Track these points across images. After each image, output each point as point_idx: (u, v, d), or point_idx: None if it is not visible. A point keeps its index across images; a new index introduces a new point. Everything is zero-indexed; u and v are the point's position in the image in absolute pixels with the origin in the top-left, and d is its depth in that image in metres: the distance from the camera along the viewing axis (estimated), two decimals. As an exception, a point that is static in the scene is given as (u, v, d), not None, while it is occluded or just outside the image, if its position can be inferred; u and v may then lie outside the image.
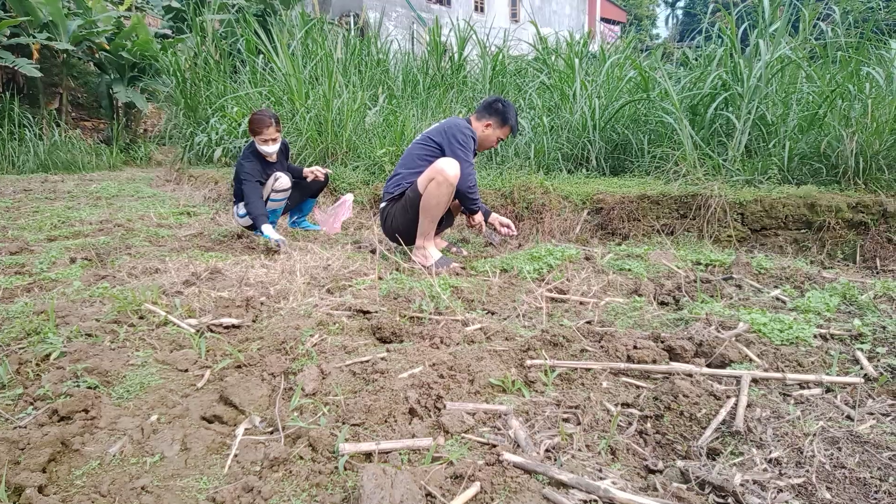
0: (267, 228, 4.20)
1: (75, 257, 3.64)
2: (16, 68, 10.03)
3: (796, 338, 2.24)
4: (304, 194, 4.90)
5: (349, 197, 4.76)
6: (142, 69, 12.11)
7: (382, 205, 3.86)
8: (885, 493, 1.34)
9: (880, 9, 6.89)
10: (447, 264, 3.59)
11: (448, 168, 3.46)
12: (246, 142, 6.65)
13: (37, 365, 2.07)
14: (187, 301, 2.71)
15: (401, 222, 3.74)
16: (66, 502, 1.38)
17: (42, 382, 1.90)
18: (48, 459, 1.52)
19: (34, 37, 10.55)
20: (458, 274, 3.44)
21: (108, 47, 11.77)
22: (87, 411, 1.74)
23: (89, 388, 1.88)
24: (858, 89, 4.38)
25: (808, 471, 1.41)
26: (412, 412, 1.75)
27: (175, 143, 10.03)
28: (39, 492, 1.42)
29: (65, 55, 11.62)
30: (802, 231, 4.02)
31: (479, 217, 3.89)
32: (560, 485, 1.35)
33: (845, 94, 4.47)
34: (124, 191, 7.47)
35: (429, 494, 1.34)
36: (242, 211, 4.52)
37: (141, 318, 2.53)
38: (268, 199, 4.50)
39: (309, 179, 4.71)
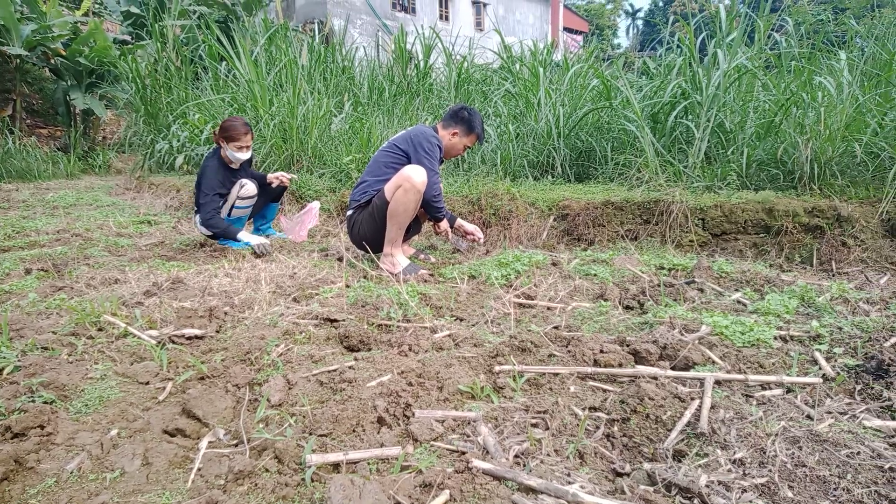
0: (244, 235, 4.15)
1: (31, 268, 3.52)
2: (-34, 74, 9.70)
3: (757, 340, 2.29)
4: (266, 199, 4.82)
5: (315, 204, 4.71)
6: (100, 75, 11.84)
7: (349, 212, 3.83)
8: (843, 489, 1.38)
9: (830, 21, 7.14)
10: (415, 271, 3.57)
11: (415, 175, 3.45)
12: (209, 149, 6.55)
13: (-11, 380, 1.99)
14: (148, 312, 2.65)
15: (368, 230, 3.71)
16: (19, 523, 1.33)
17: (-6, 398, 1.83)
18: (0, 479, 1.46)
19: (-15, 41, 10.23)
20: (426, 281, 3.43)
21: (64, 53, 11.46)
22: (42, 427, 1.68)
23: (45, 402, 1.82)
24: (811, 98, 4.53)
25: (770, 470, 1.44)
26: (381, 421, 1.74)
27: (135, 150, 9.80)
28: (-9, 513, 1.36)
29: (18, 60, 11.29)
30: (761, 235, 4.12)
31: (444, 224, 3.89)
32: (529, 490, 1.35)
33: (799, 102, 4.61)
34: (82, 199, 7.27)
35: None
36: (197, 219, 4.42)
37: (100, 329, 2.45)
38: (233, 206, 4.42)
39: (274, 185, 4.65)
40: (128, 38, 13.34)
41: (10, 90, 11.77)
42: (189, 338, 2.43)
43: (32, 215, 5.92)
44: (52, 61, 11.81)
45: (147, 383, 2.04)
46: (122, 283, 3.22)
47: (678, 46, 5.76)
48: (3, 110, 11.58)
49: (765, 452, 1.51)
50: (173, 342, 2.37)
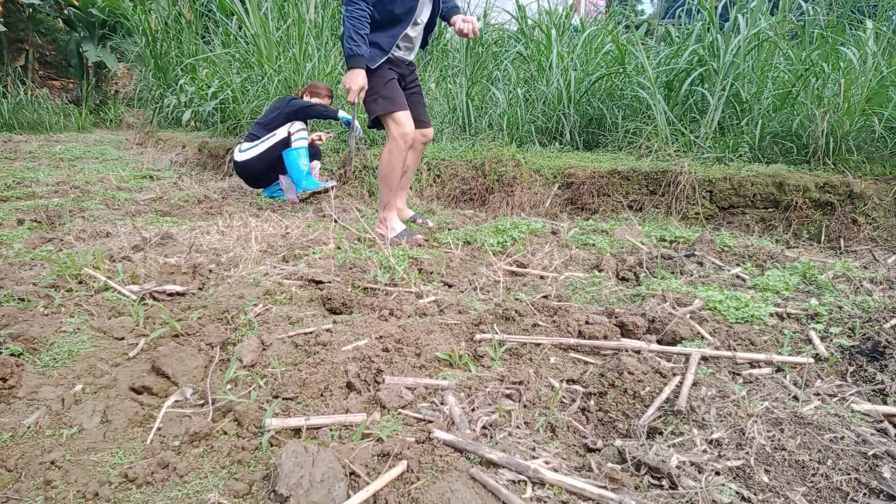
0: (342, 114, 4.57)
1: (24, 219, 3.50)
2: (-23, 22, 9.62)
3: (751, 316, 2.21)
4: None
5: (315, 164, 4.63)
6: (112, 27, 11.69)
7: None
8: (822, 476, 1.31)
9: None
10: (410, 235, 3.49)
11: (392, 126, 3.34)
12: (214, 105, 6.46)
13: (-38, 330, 1.96)
14: (132, 267, 2.61)
15: None
16: (-31, 476, 1.30)
17: (-38, 349, 1.80)
18: (-43, 431, 1.44)
19: (-4, -11, 10.12)
20: (420, 245, 3.35)
21: (76, 3, 11.32)
22: (5, 380, 1.65)
23: (12, 354, 1.79)
24: (833, 69, 4.33)
25: (747, 453, 1.37)
26: (350, 386, 1.69)
27: (145, 105, 9.73)
28: (-57, 464, 1.34)
29: (31, 10, 11.18)
30: (770, 210, 3.99)
31: (352, 79, 3.20)
32: (490, 464, 1.30)
33: (820, 73, 4.42)
34: (89, 153, 7.24)
35: (352, 473, 1.28)
36: (247, 146, 4.47)
37: (80, 282, 2.42)
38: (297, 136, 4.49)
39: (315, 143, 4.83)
40: (140, -11, 13.12)
41: (22, 40, 11.69)
42: (170, 294, 2.39)
43: (36, 167, 5.90)
44: (65, 11, 11.68)
45: (122, 339, 2.00)
46: (112, 236, 3.18)
47: (699, 12, 5.54)
48: (16, 60, 11.52)
49: (744, 434, 1.44)
50: (154, 298, 2.34)
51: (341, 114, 4.55)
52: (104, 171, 5.75)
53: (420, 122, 3.54)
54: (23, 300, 2.20)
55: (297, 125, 4.36)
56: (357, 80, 3.19)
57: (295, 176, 4.37)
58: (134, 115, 11.68)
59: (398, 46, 3.33)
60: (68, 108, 11.08)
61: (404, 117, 3.32)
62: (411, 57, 3.53)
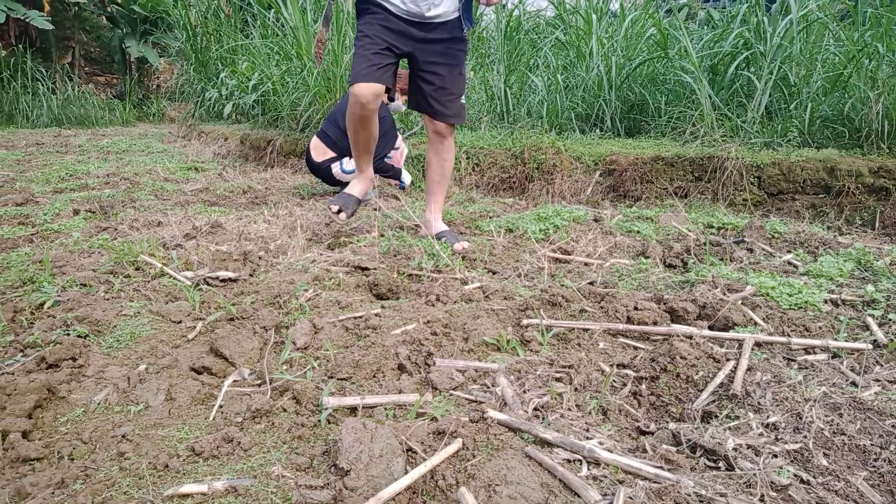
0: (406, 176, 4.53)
1: (79, 209, 3.63)
2: (27, 21, 9.94)
3: (805, 302, 2.16)
4: None
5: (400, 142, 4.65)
6: (154, 23, 11.97)
7: None
8: (884, 460, 1.29)
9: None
10: (346, 203, 2.98)
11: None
12: (255, 98, 6.57)
13: (31, 313, 2.06)
14: (185, 254, 2.69)
15: None
16: (48, 448, 1.37)
17: (33, 330, 1.89)
18: (34, 406, 1.51)
19: (45, -11, 10.45)
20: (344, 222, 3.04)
21: (119, 1, 11.62)
22: (74, 359, 1.73)
23: (79, 336, 1.87)
24: (888, 48, 4.18)
25: (805, 437, 1.35)
26: (401, 368, 1.72)
27: (186, 98, 9.94)
28: (23, 437, 1.41)
29: (76, 8, 11.51)
30: (821, 196, 3.89)
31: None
32: (544, 443, 1.31)
33: (873, 53, 4.27)
34: (135, 146, 7.44)
35: (409, 450, 1.30)
36: (350, 166, 4.50)
37: (137, 269, 2.51)
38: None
39: None
40: (181, -15, 13.39)
41: (69, 38, 12.05)
42: (223, 280, 2.46)
43: (87, 160, 6.10)
44: (109, 9, 12.01)
45: (179, 322, 2.07)
46: (163, 225, 3.28)
47: (743, -7, 5.40)
48: (63, 58, 11.89)
49: (801, 418, 1.42)
50: (207, 284, 2.40)
51: (404, 176, 4.53)
52: (151, 163, 5.92)
53: (436, 114, 2.93)
54: (85, 285, 2.29)
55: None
56: None
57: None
58: (175, 109, 11.95)
59: None
60: (113, 102, 11.42)
61: (358, 90, 2.68)
62: (430, 11, 2.68)
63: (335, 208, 2.93)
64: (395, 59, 2.78)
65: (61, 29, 11.62)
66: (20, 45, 10.48)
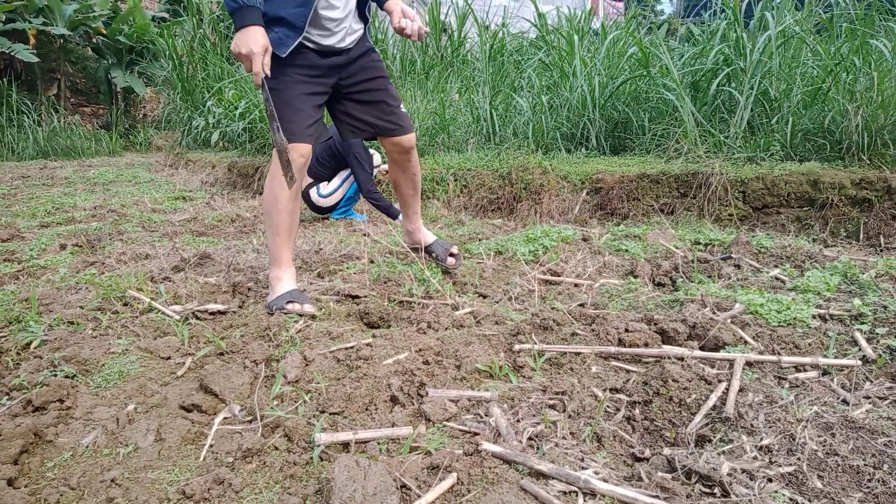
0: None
1: (66, 244, 3.60)
2: (13, 54, 9.96)
3: (794, 319, 2.17)
4: None
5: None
6: (139, 53, 12.01)
7: None
8: (878, 480, 1.29)
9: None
10: (301, 301, 2.40)
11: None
12: (243, 126, 6.59)
13: (17, 354, 2.04)
14: (174, 287, 2.67)
15: None
16: (35, 495, 1.34)
17: (19, 372, 1.86)
18: (20, 451, 1.49)
19: (30, 22, 10.47)
20: (313, 317, 2.35)
21: (104, 32, 11.66)
22: (62, 401, 1.71)
23: (66, 377, 1.84)
24: (864, 62, 4.26)
25: (799, 459, 1.35)
26: (394, 400, 1.71)
27: (173, 127, 9.95)
28: (9, 484, 1.39)
29: (62, 40, 11.53)
30: (805, 209, 3.93)
31: (244, 41, 2.11)
32: (539, 475, 1.31)
33: (850, 67, 4.34)
34: (122, 176, 7.42)
35: (403, 486, 1.29)
36: (328, 190, 4.51)
37: (125, 304, 2.49)
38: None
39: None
40: (166, 14, 13.46)
41: (54, 70, 12.05)
42: (212, 313, 2.44)
43: (73, 192, 6.07)
44: (94, 40, 12.03)
45: (168, 358, 2.05)
46: (151, 258, 3.26)
47: (722, 10, 5.49)
48: (49, 89, 11.87)
49: (794, 439, 1.42)
50: (197, 317, 2.39)
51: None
52: (138, 193, 5.90)
53: (387, 131, 2.62)
54: (72, 323, 2.27)
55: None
56: (253, 40, 2.09)
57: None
58: (163, 138, 11.93)
59: (311, 27, 2.30)
60: (99, 133, 11.39)
61: (303, 150, 2.37)
62: (343, 42, 2.41)
63: (297, 308, 2.37)
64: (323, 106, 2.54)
65: (47, 61, 11.62)
66: (4, 79, 10.47)
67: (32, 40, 10.75)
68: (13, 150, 9.96)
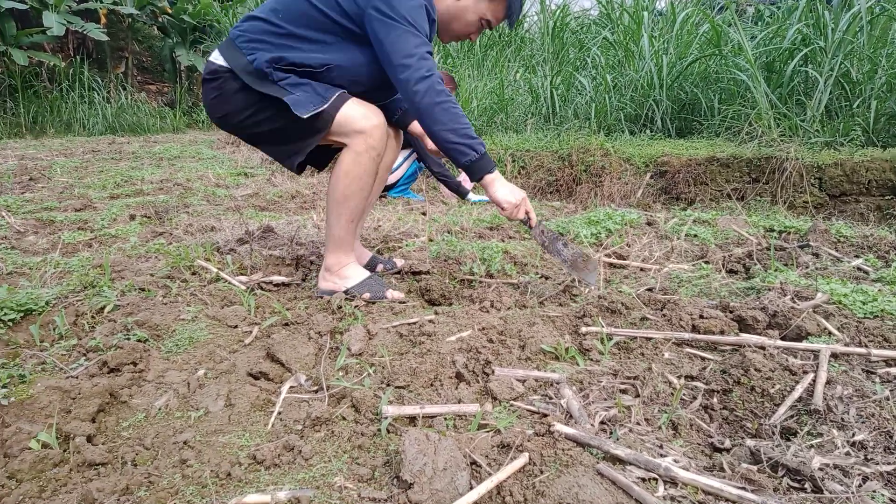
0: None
1: (135, 214, 3.71)
2: (85, 33, 10.30)
3: (882, 311, 2.04)
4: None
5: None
6: (203, 31, 12.26)
7: (221, 62, 2.12)
8: None
9: None
10: (381, 289, 2.30)
11: (366, 121, 2.09)
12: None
13: (92, 317, 2.09)
14: (239, 258, 2.71)
15: (266, 131, 2.18)
16: (111, 453, 1.37)
17: (95, 334, 1.92)
18: (97, 410, 1.52)
19: (101, 2, 10.80)
20: (402, 302, 2.28)
21: (170, 11, 11.94)
22: (135, 364, 1.74)
23: (139, 341, 1.89)
24: (961, 41, 3.97)
25: (898, 457, 1.26)
26: (459, 377, 1.68)
27: (235, 105, 10.14)
28: (88, 441, 1.42)
29: (130, 20, 11.87)
30: (887, 197, 3.70)
31: (496, 190, 2.10)
32: (616, 460, 1.26)
33: (945, 46, 4.06)
34: (186, 152, 7.61)
35: (473, 463, 1.26)
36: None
37: (193, 273, 2.53)
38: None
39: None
40: (228, -6, 13.69)
41: (122, 48, 12.44)
42: (276, 285, 2.47)
43: (140, 166, 6.26)
44: (160, 19, 12.34)
45: (235, 327, 2.08)
46: (217, 230, 3.32)
47: (800, -12, 5.20)
48: (118, 67, 12.26)
49: (892, 437, 1.33)
50: (261, 288, 2.41)
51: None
52: (202, 169, 6.03)
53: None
54: (143, 290, 2.33)
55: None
56: (513, 187, 2.12)
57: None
58: (224, 116, 12.18)
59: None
60: (164, 110, 11.71)
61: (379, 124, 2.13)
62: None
63: (398, 295, 2.32)
64: None
65: (115, 40, 11.99)
66: (77, 57, 10.87)
67: (103, 19, 11.10)
68: (84, 126, 10.33)
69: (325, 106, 2.02)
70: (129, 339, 1.89)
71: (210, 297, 2.30)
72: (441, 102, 1.96)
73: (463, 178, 4.35)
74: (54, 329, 1.97)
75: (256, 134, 2.22)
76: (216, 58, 2.13)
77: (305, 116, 1.97)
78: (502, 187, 2.10)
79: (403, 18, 1.95)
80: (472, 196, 4.37)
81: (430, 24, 2.10)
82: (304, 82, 2.06)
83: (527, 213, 2.19)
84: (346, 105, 2.08)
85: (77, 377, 1.68)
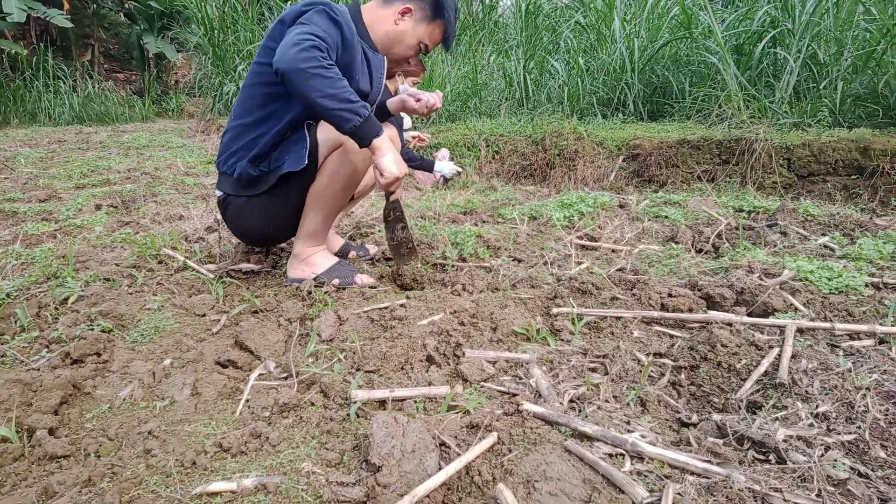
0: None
1: (101, 204, 3.63)
2: (48, 19, 10.01)
3: (846, 286, 2.08)
4: None
5: (444, 152, 4.65)
6: (171, 18, 11.99)
7: (219, 193, 2.29)
8: (946, 452, 1.21)
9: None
10: (350, 274, 2.30)
11: None
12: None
13: (55, 308, 2.04)
14: (207, 247, 2.67)
15: (258, 220, 2.26)
16: (74, 445, 1.34)
17: (57, 326, 1.87)
18: (60, 402, 1.49)
19: (63, -14, 10.51)
20: (373, 287, 2.28)
21: (137, -4, 11.67)
22: (99, 354, 1.71)
23: (103, 331, 1.84)
24: (924, 22, 4.03)
25: (860, 427, 1.28)
26: (430, 360, 1.67)
27: (205, 93, 9.96)
28: (50, 433, 1.39)
29: (95, 6, 11.56)
30: (853, 177, 3.77)
31: (384, 155, 1.97)
32: (584, 437, 1.26)
33: (909, 27, 4.12)
34: (155, 141, 7.45)
35: (442, 444, 1.26)
36: None
37: (160, 262, 2.49)
38: None
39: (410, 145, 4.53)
40: (196, -21, 13.39)
41: (88, 35, 12.12)
42: (246, 273, 2.43)
43: (108, 156, 6.12)
44: (126, 5, 12.04)
45: (203, 315, 2.05)
46: (185, 219, 3.27)
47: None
48: (83, 55, 11.96)
49: (853, 407, 1.35)
50: (230, 276, 2.38)
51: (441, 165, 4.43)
52: (171, 157, 5.92)
53: None
54: (108, 280, 2.28)
55: None
56: (399, 159, 2.02)
57: None
58: (194, 104, 11.95)
59: None
60: (132, 98, 11.45)
61: None
62: None
63: (368, 280, 2.32)
64: None
65: (80, 27, 11.68)
66: (41, 44, 10.56)
67: (66, 5, 10.79)
68: (49, 116, 10.07)
69: (308, 140, 2.11)
70: (92, 329, 1.85)
71: (177, 286, 2.26)
72: (311, 67, 1.80)
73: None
74: (15, 321, 1.92)
75: (294, 210, 2.27)
76: (216, 192, 2.30)
77: (306, 162, 2.08)
78: (391, 155, 1.98)
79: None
80: (439, 167, 4.36)
81: (338, 25, 1.98)
82: (282, 149, 2.15)
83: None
84: (321, 126, 2.14)
85: (38, 369, 1.64)
